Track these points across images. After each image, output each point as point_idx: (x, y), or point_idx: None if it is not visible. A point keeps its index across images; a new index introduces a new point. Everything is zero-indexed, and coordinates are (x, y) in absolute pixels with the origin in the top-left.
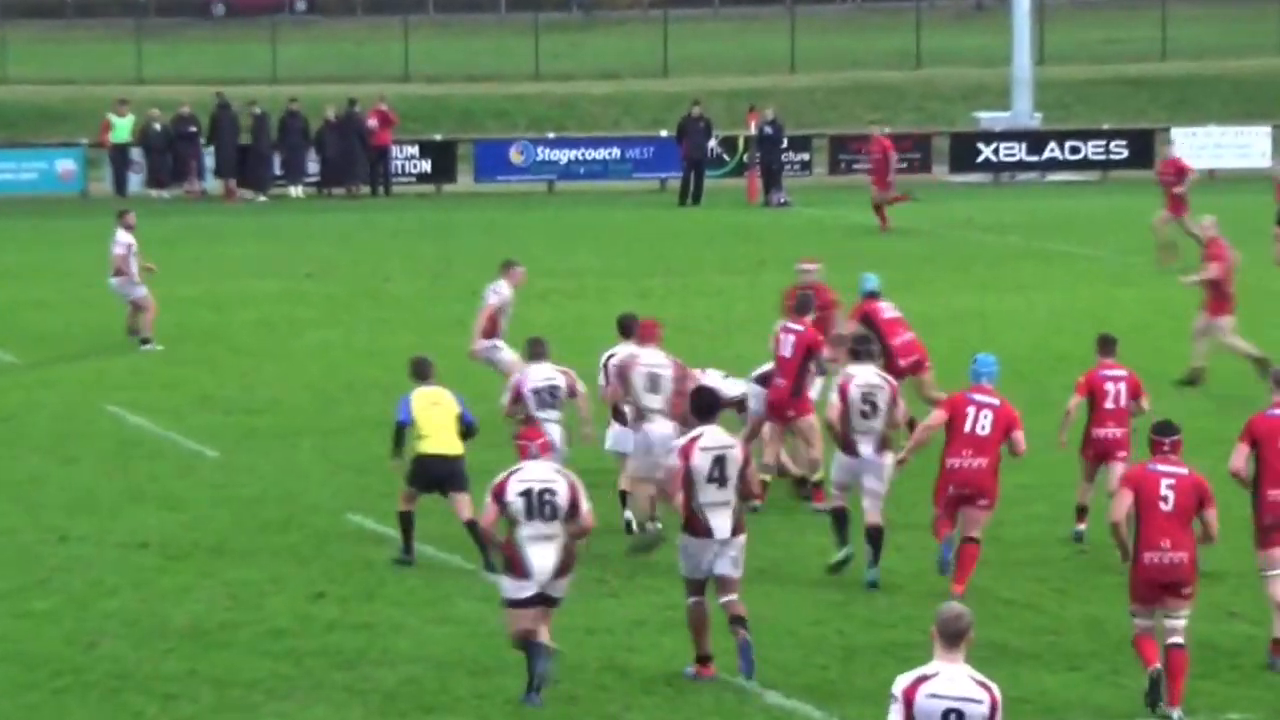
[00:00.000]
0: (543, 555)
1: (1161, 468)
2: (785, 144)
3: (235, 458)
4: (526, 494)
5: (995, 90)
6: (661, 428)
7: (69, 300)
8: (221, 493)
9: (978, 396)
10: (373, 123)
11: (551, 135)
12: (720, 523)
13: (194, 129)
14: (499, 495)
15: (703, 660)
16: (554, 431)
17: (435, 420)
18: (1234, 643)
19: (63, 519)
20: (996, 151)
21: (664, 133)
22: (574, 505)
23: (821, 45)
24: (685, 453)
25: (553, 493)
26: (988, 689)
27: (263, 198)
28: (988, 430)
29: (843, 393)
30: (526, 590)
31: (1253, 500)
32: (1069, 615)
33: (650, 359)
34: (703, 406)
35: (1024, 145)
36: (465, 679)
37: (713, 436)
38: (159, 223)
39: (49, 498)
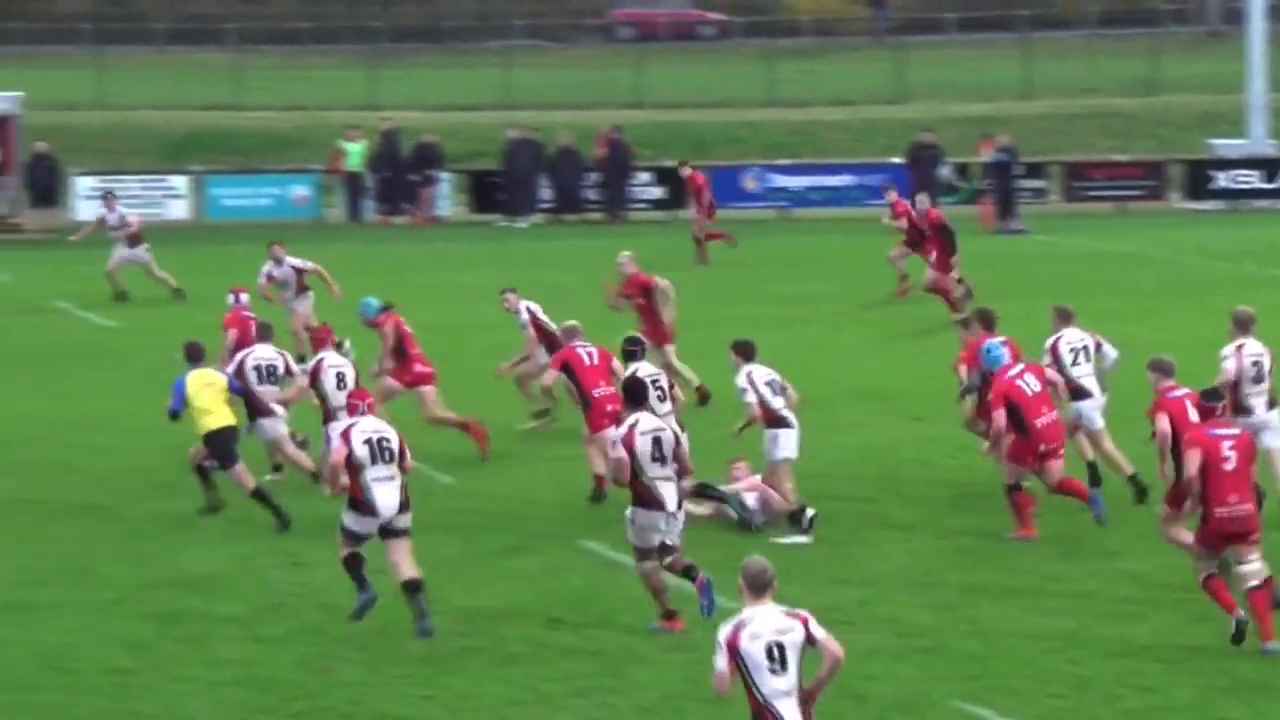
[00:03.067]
0: (386, 494)
1: (1220, 431)
2: (1020, 171)
3: (468, 483)
4: (369, 442)
5: (1231, 117)
6: None
7: None
8: (455, 518)
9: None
10: (604, 150)
11: (785, 162)
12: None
13: (430, 155)
14: (348, 439)
15: (669, 616)
16: (272, 402)
17: (211, 397)
18: None
19: (298, 544)
20: (1232, 179)
21: (897, 159)
22: (402, 451)
23: (1056, 71)
24: (627, 441)
25: (388, 439)
26: (797, 617)
27: (522, 224)
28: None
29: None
30: (369, 526)
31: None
32: None
33: (334, 360)
34: (632, 394)
35: (1260, 172)
36: (700, 707)
37: (648, 421)
38: (391, 249)
39: None
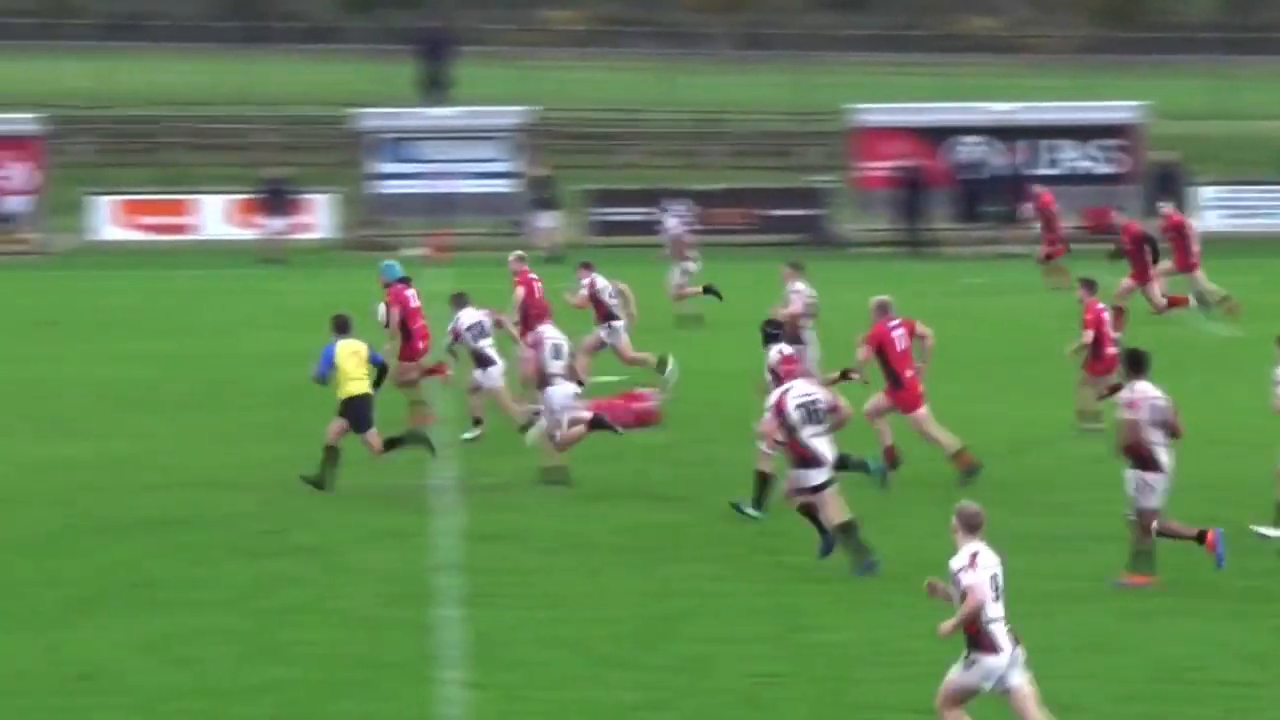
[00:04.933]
0: (825, 447)
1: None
2: None
3: None
4: (801, 406)
5: None
6: (563, 389)
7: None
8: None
9: None
10: None
11: None
12: None
13: None
14: (780, 410)
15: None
16: (491, 353)
17: (356, 365)
18: None
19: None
20: None
21: None
22: (833, 407)
23: None
24: (1136, 406)
25: (817, 401)
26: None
27: None
28: None
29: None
30: (822, 476)
31: None
32: None
33: (551, 333)
34: (1134, 363)
35: None
36: None
37: (1151, 389)
38: None
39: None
